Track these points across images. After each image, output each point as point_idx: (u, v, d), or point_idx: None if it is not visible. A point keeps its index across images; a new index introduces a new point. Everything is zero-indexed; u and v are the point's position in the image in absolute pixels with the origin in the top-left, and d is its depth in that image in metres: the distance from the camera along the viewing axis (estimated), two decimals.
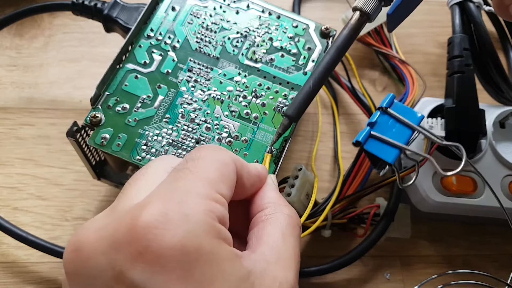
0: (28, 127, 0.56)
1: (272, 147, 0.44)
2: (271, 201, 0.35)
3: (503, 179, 0.52)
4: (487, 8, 0.55)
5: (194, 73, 0.47)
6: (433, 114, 0.54)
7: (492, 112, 0.55)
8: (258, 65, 0.48)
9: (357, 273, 0.53)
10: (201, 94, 0.46)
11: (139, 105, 0.45)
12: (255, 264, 0.30)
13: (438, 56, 0.65)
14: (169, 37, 0.48)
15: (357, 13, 0.43)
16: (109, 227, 0.29)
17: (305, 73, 0.48)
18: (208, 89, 0.46)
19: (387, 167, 0.41)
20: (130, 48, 0.48)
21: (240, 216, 0.33)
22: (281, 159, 0.44)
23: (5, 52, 0.60)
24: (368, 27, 0.60)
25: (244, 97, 0.47)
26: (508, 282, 0.50)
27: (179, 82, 0.46)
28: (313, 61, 0.49)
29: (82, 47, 0.62)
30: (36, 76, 0.59)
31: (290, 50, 0.49)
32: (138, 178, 0.33)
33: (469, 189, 0.51)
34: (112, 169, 0.50)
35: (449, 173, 0.40)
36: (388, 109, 0.40)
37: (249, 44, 0.49)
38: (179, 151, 0.44)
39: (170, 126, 0.44)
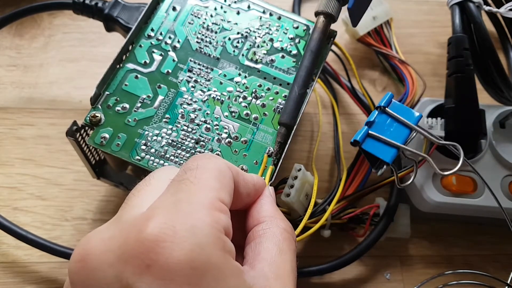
0: (28, 127, 0.56)
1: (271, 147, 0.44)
2: (267, 214, 0.35)
3: (503, 179, 0.52)
4: (487, 8, 0.55)
5: (194, 74, 0.47)
6: (433, 114, 0.54)
7: (492, 112, 0.55)
8: (259, 66, 0.48)
9: (357, 273, 0.53)
10: (201, 95, 0.46)
11: (139, 105, 0.45)
12: (255, 280, 0.30)
13: (438, 56, 0.65)
14: (170, 37, 0.48)
15: (321, 16, 0.47)
16: (116, 239, 0.28)
17: None
18: (208, 90, 0.46)
19: (385, 166, 0.41)
20: (130, 47, 0.48)
21: (235, 227, 0.33)
22: (281, 160, 0.44)
23: (5, 52, 0.61)
24: (368, 27, 0.60)
25: (244, 97, 0.47)
26: (508, 282, 0.50)
27: (179, 82, 0.46)
28: None
29: (82, 47, 0.62)
30: (36, 76, 0.59)
31: (290, 51, 0.49)
32: (142, 189, 0.33)
33: (469, 189, 0.51)
34: (112, 169, 0.50)
35: (446, 173, 0.40)
36: (386, 109, 0.40)
37: (250, 45, 0.49)
38: (179, 151, 0.44)
39: (170, 126, 0.44)
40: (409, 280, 0.53)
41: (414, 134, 0.40)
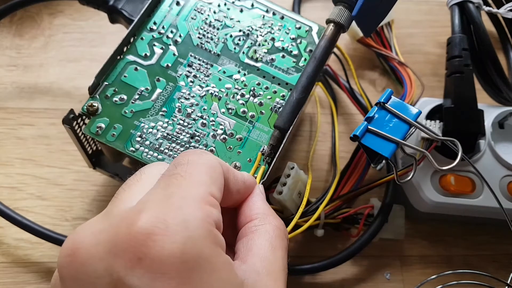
0: (28, 127, 0.57)
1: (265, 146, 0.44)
2: (259, 211, 0.36)
3: (502, 180, 0.52)
4: (486, 8, 0.55)
5: (193, 69, 0.47)
6: (432, 114, 0.54)
7: (491, 112, 0.54)
8: (258, 65, 0.48)
9: (357, 273, 0.53)
10: (199, 90, 0.46)
11: (136, 97, 0.45)
12: (246, 274, 0.31)
13: (438, 56, 0.65)
14: (172, 31, 0.49)
15: (331, 24, 0.46)
16: (106, 232, 0.28)
17: None
18: (207, 85, 0.47)
19: (383, 161, 0.41)
20: (132, 40, 0.48)
21: (224, 224, 0.33)
22: (273, 161, 0.44)
23: (5, 52, 0.61)
24: None
25: (242, 95, 0.47)
26: (508, 282, 0.49)
27: (178, 76, 0.47)
28: None
29: (82, 47, 0.62)
30: (36, 76, 0.60)
31: (291, 51, 0.50)
32: (133, 184, 0.33)
33: (468, 189, 0.51)
34: (108, 159, 0.50)
35: (444, 168, 0.40)
36: (386, 105, 0.40)
37: (251, 43, 0.49)
38: (173, 145, 0.44)
39: (166, 120, 0.45)
40: (409, 280, 0.53)
41: (413, 130, 0.40)
